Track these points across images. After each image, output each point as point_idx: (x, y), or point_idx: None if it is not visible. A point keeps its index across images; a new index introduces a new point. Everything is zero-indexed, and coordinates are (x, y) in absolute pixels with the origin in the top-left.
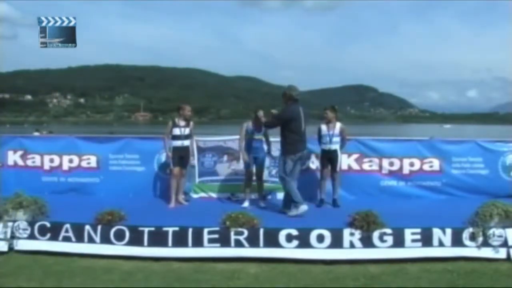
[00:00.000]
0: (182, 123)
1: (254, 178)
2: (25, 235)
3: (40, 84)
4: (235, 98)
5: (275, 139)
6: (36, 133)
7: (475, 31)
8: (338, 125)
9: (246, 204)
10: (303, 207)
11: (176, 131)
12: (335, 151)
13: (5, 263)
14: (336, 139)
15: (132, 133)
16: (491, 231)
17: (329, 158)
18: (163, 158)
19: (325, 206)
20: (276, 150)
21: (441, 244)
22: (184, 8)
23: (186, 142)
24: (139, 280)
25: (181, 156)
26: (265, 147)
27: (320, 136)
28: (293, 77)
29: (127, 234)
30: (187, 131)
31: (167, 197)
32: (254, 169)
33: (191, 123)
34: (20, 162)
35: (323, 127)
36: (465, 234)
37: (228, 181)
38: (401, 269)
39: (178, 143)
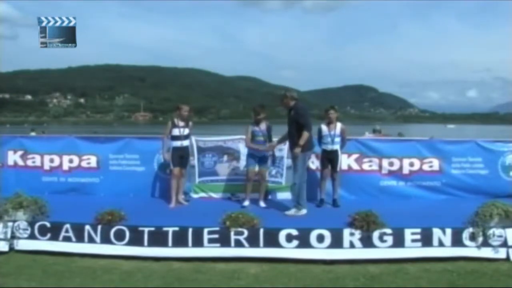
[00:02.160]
0: (181, 123)
1: (256, 178)
2: (25, 235)
3: (40, 84)
4: (235, 98)
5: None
6: (33, 133)
7: (475, 31)
8: (339, 125)
9: (246, 204)
10: (304, 211)
11: (176, 132)
12: (336, 151)
13: (5, 263)
14: (338, 139)
15: (132, 133)
16: (491, 231)
17: (329, 158)
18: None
19: (325, 206)
20: (277, 150)
21: (441, 244)
22: (184, 8)
23: (186, 142)
24: (139, 280)
25: (181, 156)
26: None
27: (320, 136)
28: (293, 77)
29: (127, 234)
30: (186, 131)
31: (167, 197)
32: (257, 169)
33: (190, 123)
34: (20, 162)
35: (324, 128)
36: (465, 234)
37: (228, 181)
38: (401, 269)
39: (177, 143)
